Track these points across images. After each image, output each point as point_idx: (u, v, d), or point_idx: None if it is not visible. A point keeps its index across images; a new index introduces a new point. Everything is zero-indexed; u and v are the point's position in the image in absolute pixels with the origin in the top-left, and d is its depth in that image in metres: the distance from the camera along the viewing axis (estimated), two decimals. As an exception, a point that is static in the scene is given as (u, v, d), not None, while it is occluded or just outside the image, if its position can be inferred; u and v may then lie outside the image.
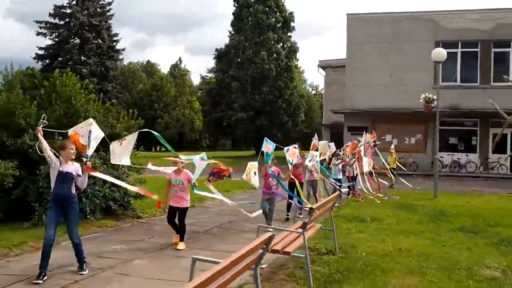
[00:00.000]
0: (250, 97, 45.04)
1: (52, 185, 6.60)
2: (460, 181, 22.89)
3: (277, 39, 46.64)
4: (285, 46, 47.78)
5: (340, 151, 15.43)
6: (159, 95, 68.09)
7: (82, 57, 43.57)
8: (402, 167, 19.08)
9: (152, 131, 8.58)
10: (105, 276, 6.57)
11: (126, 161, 8.22)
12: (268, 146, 10.54)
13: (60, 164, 6.50)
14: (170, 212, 8.60)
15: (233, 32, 47.65)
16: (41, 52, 44.29)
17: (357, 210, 12.22)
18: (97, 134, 7.06)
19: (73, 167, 6.61)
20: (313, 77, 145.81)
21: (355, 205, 13.55)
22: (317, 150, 13.34)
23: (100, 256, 7.62)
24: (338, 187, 13.45)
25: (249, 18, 45.98)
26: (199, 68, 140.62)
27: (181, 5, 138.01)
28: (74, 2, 44.24)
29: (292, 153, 11.13)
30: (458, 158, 27.94)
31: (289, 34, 48.36)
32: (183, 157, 8.71)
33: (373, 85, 29.68)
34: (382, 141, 29.55)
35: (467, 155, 28.23)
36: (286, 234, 7.03)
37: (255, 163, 9.75)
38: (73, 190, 6.66)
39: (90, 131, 6.85)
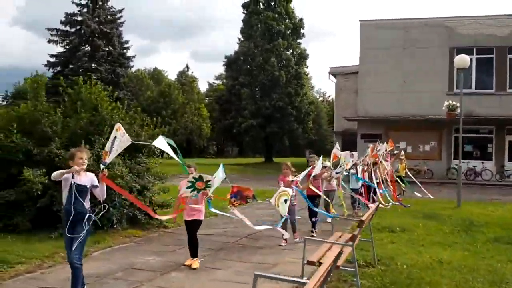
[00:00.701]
0: (260, 104, 44.95)
1: (64, 200, 5.84)
2: (477, 189, 22.63)
3: (287, 46, 46.56)
4: (295, 52, 47.69)
5: (360, 161, 14.18)
6: (167, 102, 68.11)
7: (93, 65, 43.55)
8: (411, 176, 18.50)
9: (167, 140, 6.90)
10: (145, 289, 6.40)
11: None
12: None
13: (73, 176, 5.76)
14: (186, 227, 7.95)
15: (242, 39, 47.62)
16: (52, 59, 44.34)
17: (384, 219, 11.98)
18: (122, 140, 6.13)
19: (87, 178, 5.88)
20: (320, 84, 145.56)
21: (380, 214, 13.29)
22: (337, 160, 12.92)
23: (135, 268, 7.46)
24: (356, 198, 13.04)
25: (259, 25, 46.01)
26: (204, 74, 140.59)
27: (184, 12, 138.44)
28: (85, 10, 44.32)
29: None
30: (473, 166, 27.63)
31: (298, 40, 48.34)
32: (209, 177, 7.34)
33: (386, 92, 29.45)
34: (396, 149, 29.45)
35: (482, 162, 27.89)
36: (328, 247, 6.86)
37: (289, 190, 8.07)
38: (87, 205, 5.87)
39: (115, 137, 6.01)
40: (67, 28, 44.51)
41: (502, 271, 7.30)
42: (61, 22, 44.00)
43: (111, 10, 46.66)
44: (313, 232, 10.47)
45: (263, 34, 45.74)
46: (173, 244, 9.35)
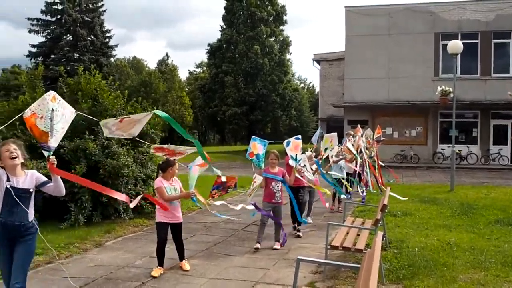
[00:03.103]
0: (244, 91, 44.88)
1: None
2: (463, 173, 23.04)
3: (270, 33, 46.47)
4: (278, 39, 47.62)
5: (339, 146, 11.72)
6: (148, 91, 67.46)
7: (76, 54, 43.02)
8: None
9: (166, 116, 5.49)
10: (169, 277, 6.45)
11: (129, 134, 5.36)
12: (257, 145, 7.99)
13: (8, 179, 4.47)
14: (163, 231, 6.66)
15: (224, 27, 47.34)
16: (33, 50, 43.60)
17: (383, 204, 12.18)
18: (65, 113, 4.69)
19: (29, 179, 4.56)
20: (303, 71, 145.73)
21: (379, 199, 13.49)
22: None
23: (152, 256, 7.47)
24: (337, 187, 10.80)
25: (241, 12, 45.78)
26: (181, 63, 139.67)
27: (159, 1, 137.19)
28: (66, -1, 43.71)
29: (294, 146, 8.29)
30: (459, 150, 28.17)
31: (281, 27, 48.24)
32: (180, 148, 6.74)
33: (372, 78, 29.75)
34: (382, 134, 29.78)
35: (468, 146, 28.43)
36: (346, 231, 7.01)
37: (260, 178, 7.67)
38: (31, 215, 4.61)
39: (52, 109, 4.49)
40: (48, 17, 43.78)
41: (511, 252, 7.51)
42: (42, 11, 43.26)
43: (91, -2, 46.06)
44: (299, 231, 9.08)
45: (246, 21, 45.55)
46: (183, 232, 9.38)
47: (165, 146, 6.97)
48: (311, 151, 9.17)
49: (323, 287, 6.01)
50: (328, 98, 37.42)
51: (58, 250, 7.64)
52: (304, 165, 8.19)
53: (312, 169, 8.61)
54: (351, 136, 13.37)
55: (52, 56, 42.29)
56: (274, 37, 47.33)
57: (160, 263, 6.62)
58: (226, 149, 45.91)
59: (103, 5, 46.48)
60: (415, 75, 28.74)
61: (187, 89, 77.63)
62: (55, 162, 4.53)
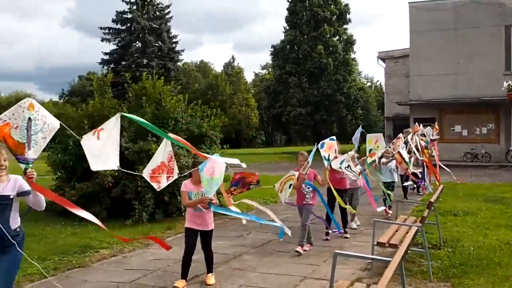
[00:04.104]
0: (308, 92, 45.01)
1: None
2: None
3: (334, 32, 46.29)
4: (342, 38, 47.35)
5: (389, 147, 11.11)
6: (215, 94, 68.94)
7: (145, 60, 44.76)
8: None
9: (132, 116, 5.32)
10: (223, 270, 6.80)
11: (113, 162, 4.66)
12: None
13: None
14: (191, 238, 6.17)
15: (287, 28, 47.57)
16: (106, 57, 45.80)
17: (445, 204, 11.96)
18: (47, 122, 4.17)
19: (11, 185, 4.19)
20: (368, 69, 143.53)
21: (440, 198, 13.25)
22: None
23: (209, 252, 7.88)
24: (387, 193, 10.38)
25: (304, 13, 45.89)
26: (248, 64, 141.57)
27: (226, 4, 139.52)
28: (135, 7, 45.46)
29: (328, 147, 7.95)
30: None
31: (345, 26, 47.91)
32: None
33: (439, 75, 29.02)
34: (451, 132, 29.01)
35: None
36: (395, 229, 7.07)
37: (296, 173, 6.97)
38: (15, 223, 4.25)
39: (29, 118, 4.04)
40: (118, 26, 45.83)
41: None
42: (113, 21, 45.36)
43: (159, 6, 47.68)
44: (346, 233, 9.00)
45: (309, 22, 45.64)
46: (239, 230, 9.73)
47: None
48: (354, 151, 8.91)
49: (369, 283, 6.11)
50: (394, 96, 36.80)
51: (122, 244, 8.19)
52: (348, 166, 8.00)
53: (355, 171, 8.39)
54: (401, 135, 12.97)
55: (123, 62, 44.27)
56: (337, 36, 47.12)
57: (184, 275, 6.10)
58: (292, 150, 46.04)
59: (169, 12, 48.11)
60: (484, 70, 27.70)
61: (253, 90, 78.56)
62: (34, 176, 4.08)
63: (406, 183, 12.83)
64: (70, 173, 11.19)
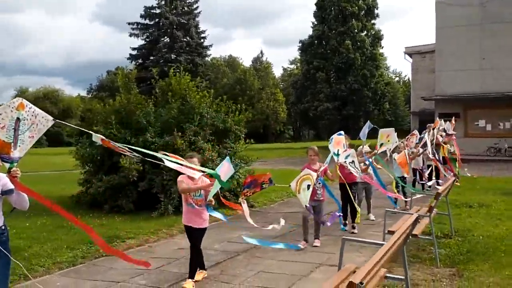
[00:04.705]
0: (336, 87, 44.99)
1: None
2: None
3: (361, 27, 46.11)
4: (369, 34, 47.12)
5: (403, 142, 10.95)
6: (243, 88, 69.40)
7: (173, 55, 45.37)
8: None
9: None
10: (242, 259, 7.10)
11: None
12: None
13: None
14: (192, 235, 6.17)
15: (316, 23, 47.54)
16: (134, 52, 46.57)
17: (462, 196, 12.08)
18: (36, 121, 3.97)
19: None
20: (395, 64, 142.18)
21: (457, 191, 13.26)
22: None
23: (230, 241, 8.19)
24: (401, 188, 10.25)
25: (332, 8, 45.80)
26: (277, 59, 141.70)
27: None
28: (163, 2, 46.05)
29: (336, 142, 7.63)
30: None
31: (372, 21, 47.63)
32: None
33: (464, 70, 28.83)
34: (475, 127, 28.80)
35: None
36: (408, 218, 7.23)
37: (314, 174, 6.23)
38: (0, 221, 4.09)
39: (17, 118, 3.88)
40: (147, 21, 46.53)
41: None
42: (141, 16, 46.09)
43: (187, 1, 48.18)
44: (354, 228, 9.02)
45: (337, 17, 45.53)
46: (261, 221, 9.97)
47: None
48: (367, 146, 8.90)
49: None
50: (420, 91, 36.53)
51: (147, 235, 8.55)
52: (352, 161, 7.68)
53: (359, 167, 7.97)
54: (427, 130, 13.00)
55: (151, 58, 44.94)
56: (365, 32, 46.90)
57: (201, 266, 6.20)
58: (320, 144, 46.12)
59: (197, 7, 48.59)
60: (509, 66, 27.44)
61: (281, 85, 78.74)
62: (18, 175, 3.88)
63: (425, 182, 12.69)
64: (98, 167, 11.59)
